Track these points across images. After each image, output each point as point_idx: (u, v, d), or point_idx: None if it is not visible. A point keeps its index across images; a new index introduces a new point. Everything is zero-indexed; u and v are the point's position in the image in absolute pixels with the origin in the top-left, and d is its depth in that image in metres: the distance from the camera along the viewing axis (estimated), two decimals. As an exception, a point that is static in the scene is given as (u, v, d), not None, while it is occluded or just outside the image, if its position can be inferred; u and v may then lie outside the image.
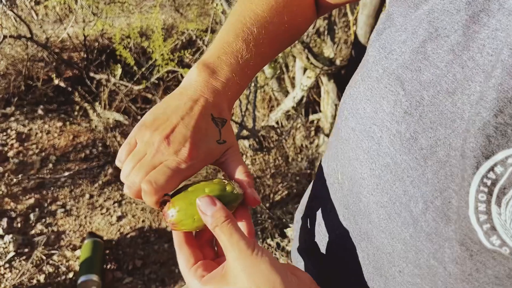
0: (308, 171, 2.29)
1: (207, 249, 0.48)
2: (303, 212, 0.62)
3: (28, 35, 2.45)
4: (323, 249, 0.53)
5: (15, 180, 2.45)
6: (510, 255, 0.30)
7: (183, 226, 0.45)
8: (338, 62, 2.09)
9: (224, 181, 0.47)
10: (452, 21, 0.35)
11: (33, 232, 2.17)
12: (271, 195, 2.18)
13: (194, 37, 2.39)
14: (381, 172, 0.38)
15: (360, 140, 0.41)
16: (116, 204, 2.34)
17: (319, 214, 0.54)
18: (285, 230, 1.60)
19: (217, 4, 1.96)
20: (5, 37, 2.26)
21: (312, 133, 2.40)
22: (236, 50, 0.53)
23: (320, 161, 0.55)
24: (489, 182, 0.30)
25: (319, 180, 0.55)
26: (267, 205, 2.14)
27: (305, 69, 2.15)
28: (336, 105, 2.11)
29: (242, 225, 0.46)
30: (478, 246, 0.31)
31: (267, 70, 2.19)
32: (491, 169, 0.30)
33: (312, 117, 2.48)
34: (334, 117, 2.12)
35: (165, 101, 0.50)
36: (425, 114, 0.35)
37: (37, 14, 3.14)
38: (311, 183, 0.63)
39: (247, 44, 0.54)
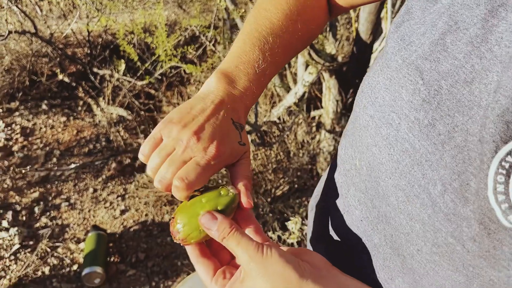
0: (309, 166, 2.31)
1: (221, 253, 0.50)
2: (318, 198, 0.64)
3: (33, 31, 2.47)
4: (338, 234, 0.54)
5: (19, 173, 2.48)
6: None
7: (192, 239, 0.48)
8: (340, 59, 2.10)
9: (219, 187, 0.49)
10: (471, 15, 0.37)
11: (37, 225, 2.20)
12: (273, 190, 2.21)
13: (197, 33, 2.41)
14: (400, 157, 0.40)
15: (379, 127, 0.43)
16: (119, 198, 2.37)
17: (334, 200, 0.55)
18: (286, 223, 1.62)
19: (220, 1, 1.98)
20: (10, 32, 2.28)
21: (314, 129, 2.42)
22: (253, 60, 0.55)
23: (336, 150, 0.57)
24: (507, 165, 0.32)
25: (334, 167, 0.57)
26: (269, 199, 2.17)
27: (307, 65, 2.16)
28: (337, 101, 2.13)
29: (247, 225, 0.49)
30: (496, 224, 0.33)
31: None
32: (509, 152, 0.32)
33: (313, 113, 2.50)
34: (335, 113, 2.14)
35: (189, 103, 0.52)
36: (443, 102, 0.37)
37: (41, 10, 3.16)
38: (326, 171, 0.65)
39: (263, 53, 0.56)
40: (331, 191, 0.57)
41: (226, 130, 0.51)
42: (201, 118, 0.49)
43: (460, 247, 0.36)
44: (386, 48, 0.45)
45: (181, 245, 0.49)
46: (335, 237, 0.55)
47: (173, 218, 0.49)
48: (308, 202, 2.11)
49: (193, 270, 1.65)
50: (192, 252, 0.49)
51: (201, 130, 0.48)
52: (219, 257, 0.50)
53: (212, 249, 0.50)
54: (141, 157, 0.51)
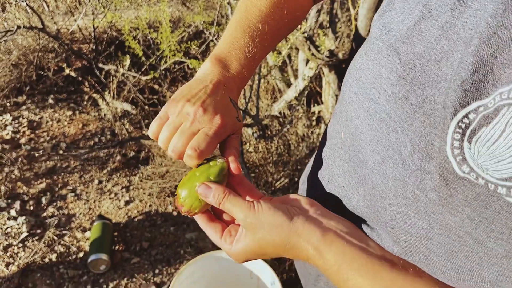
0: (309, 159, 2.36)
1: (224, 215, 0.56)
2: (308, 172, 0.70)
3: (40, 26, 2.53)
4: (322, 201, 0.61)
5: (27, 165, 2.54)
6: (476, 180, 0.38)
7: (195, 208, 0.54)
8: (340, 55, 2.16)
9: (209, 161, 0.55)
10: (443, 4, 0.43)
11: (45, 214, 2.27)
12: (273, 182, 2.27)
13: (201, 28, 2.46)
14: (378, 126, 0.46)
15: (362, 102, 0.49)
16: (124, 189, 2.43)
17: (322, 171, 0.62)
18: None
19: (223, -3, 2.03)
20: (18, 27, 2.35)
21: (314, 123, 2.48)
22: (244, 45, 0.61)
23: (326, 126, 0.64)
24: (463, 125, 0.38)
25: (323, 144, 0.63)
26: (269, 192, 2.23)
27: (307, 61, 2.22)
28: (337, 96, 2.18)
29: (242, 187, 0.55)
30: (453, 175, 0.39)
31: (270, 59, 2.27)
32: (466, 115, 0.38)
33: (314, 108, 2.56)
34: (334, 107, 2.20)
35: (189, 84, 0.58)
36: (416, 78, 0.43)
37: (48, 6, 3.22)
38: (316, 150, 0.71)
39: (253, 39, 0.62)
40: (318, 164, 0.63)
41: (226, 105, 0.57)
42: (203, 95, 0.55)
43: (424, 197, 0.42)
44: (370, 34, 0.52)
45: (189, 216, 0.55)
46: (323, 204, 0.61)
47: (176, 195, 0.55)
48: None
49: (195, 256, 1.71)
50: (200, 220, 0.55)
51: (205, 104, 0.54)
52: (223, 219, 0.56)
53: (216, 214, 0.57)
54: (150, 134, 0.57)
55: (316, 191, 0.62)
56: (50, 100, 3.07)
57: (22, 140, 2.74)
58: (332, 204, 0.57)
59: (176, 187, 2.43)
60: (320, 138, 2.32)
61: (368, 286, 0.45)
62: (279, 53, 2.34)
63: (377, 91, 0.47)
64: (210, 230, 0.54)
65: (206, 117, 0.54)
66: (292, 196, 0.54)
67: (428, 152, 0.41)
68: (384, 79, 0.46)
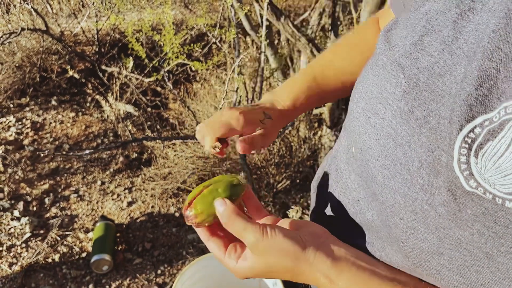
0: (311, 161, 2.38)
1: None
2: (319, 181, 0.71)
3: (44, 28, 2.55)
4: (336, 213, 0.61)
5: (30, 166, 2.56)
6: (483, 194, 0.38)
7: (206, 223, 0.55)
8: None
9: (231, 177, 0.58)
10: (444, 18, 0.44)
11: (48, 215, 2.28)
12: (275, 184, 2.28)
13: (204, 31, 2.48)
14: (385, 141, 0.47)
15: (368, 117, 0.50)
16: (126, 191, 2.44)
17: (333, 184, 0.62)
18: (287, 212, 1.69)
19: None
20: (22, 29, 2.36)
21: (315, 125, 2.49)
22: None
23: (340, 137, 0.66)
24: (469, 140, 0.38)
25: (336, 154, 0.64)
26: (271, 193, 2.24)
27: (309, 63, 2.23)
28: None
29: (250, 202, 0.58)
30: (461, 190, 0.39)
31: (272, 61, 2.28)
32: (471, 130, 0.38)
33: (316, 111, 2.57)
34: (336, 109, 2.21)
35: None
36: (421, 93, 0.44)
37: (52, 8, 3.24)
38: (327, 155, 0.73)
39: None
40: (329, 176, 0.64)
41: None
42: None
43: (433, 212, 0.42)
44: (376, 50, 0.53)
45: (194, 227, 0.56)
46: (333, 215, 0.62)
47: (189, 204, 0.55)
48: (309, 195, 2.17)
49: (198, 257, 1.72)
50: (203, 233, 0.56)
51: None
52: (228, 234, 0.56)
53: (221, 228, 0.57)
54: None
55: (331, 202, 0.63)
56: (53, 102, 3.09)
57: (26, 142, 2.75)
58: (347, 218, 0.58)
59: (179, 188, 2.45)
60: (321, 141, 2.33)
61: None
62: (281, 55, 2.36)
63: (383, 106, 0.47)
64: (213, 244, 0.55)
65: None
66: (303, 221, 0.54)
67: (435, 167, 0.41)
68: (389, 94, 0.47)
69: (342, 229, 0.59)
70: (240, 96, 2.02)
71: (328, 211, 0.63)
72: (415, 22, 0.47)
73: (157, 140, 2.53)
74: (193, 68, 2.31)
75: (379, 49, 0.50)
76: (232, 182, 0.55)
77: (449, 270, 0.44)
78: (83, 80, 3.03)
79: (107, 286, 1.94)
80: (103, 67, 2.97)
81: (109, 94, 2.91)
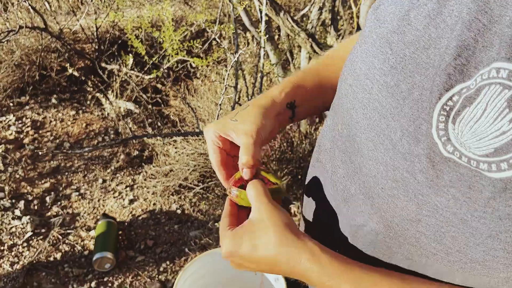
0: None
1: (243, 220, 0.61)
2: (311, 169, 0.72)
3: (42, 26, 2.53)
4: (326, 191, 0.63)
5: (31, 165, 2.55)
6: (459, 159, 0.39)
7: (240, 202, 0.62)
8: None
9: (280, 182, 0.64)
10: None
11: (49, 213, 2.28)
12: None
13: (203, 27, 2.47)
14: (371, 114, 0.48)
15: (356, 93, 0.51)
16: (128, 188, 2.43)
17: (323, 163, 0.64)
18: (289, 207, 1.68)
19: (225, -5, 2.03)
20: (21, 27, 2.35)
21: (316, 120, 2.48)
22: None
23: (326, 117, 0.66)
24: (448, 108, 0.40)
25: (322, 136, 0.65)
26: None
27: (310, 58, 2.22)
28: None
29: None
30: (439, 157, 0.41)
31: (272, 56, 2.27)
32: (450, 98, 0.40)
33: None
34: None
35: None
36: (406, 67, 0.45)
37: (50, 6, 3.23)
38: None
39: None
40: (320, 156, 0.65)
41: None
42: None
43: (412, 179, 0.43)
44: (364, 28, 0.54)
45: (229, 197, 0.63)
46: (322, 194, 0.64)
47: (239, 187, 0.62)
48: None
49: (199, 253, 1.71)
50: (228, 207, 0.62)
51: None
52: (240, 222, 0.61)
53: (240, 214, 0.62)
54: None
55: (316, 182, 0.65)
56: (53, 100, 3.08)
57: (26, 141, 2.75)
58: (335, 196, 0.59)
59: (181, 185, 2.44)
60: (323, 136, 2.32)
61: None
62: (281, 50, 2.34)
63: (371, 81, 0.49)
64: (227, 220, 0.60)
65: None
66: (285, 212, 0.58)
67: (416, 136, 0.43)
68: (377, 70, 0.48)
69: (330, 208, 0.61)
70: (240, 91, 2.01)
71: (320, 192, 0.65)
72: None
73: (158, 138, 2.52)
74: (193, 65, 2.30)
75: (369, 28, 0.51)
76: (279, 188, 0.62)
77: (426, 237, 0.45)
78: (83, 78, 3.02)
79: (110, 284, 1.93)
80: (103, 64, 2.96)
81: (110, 92, 2.90)
